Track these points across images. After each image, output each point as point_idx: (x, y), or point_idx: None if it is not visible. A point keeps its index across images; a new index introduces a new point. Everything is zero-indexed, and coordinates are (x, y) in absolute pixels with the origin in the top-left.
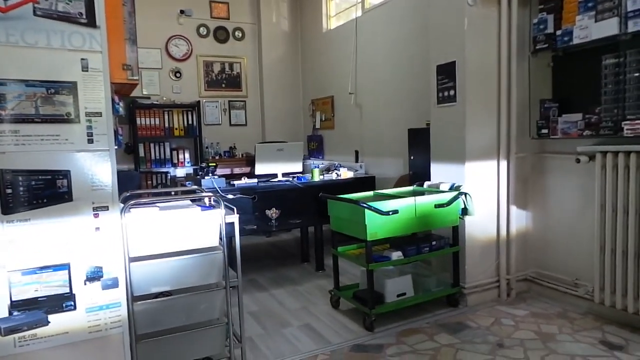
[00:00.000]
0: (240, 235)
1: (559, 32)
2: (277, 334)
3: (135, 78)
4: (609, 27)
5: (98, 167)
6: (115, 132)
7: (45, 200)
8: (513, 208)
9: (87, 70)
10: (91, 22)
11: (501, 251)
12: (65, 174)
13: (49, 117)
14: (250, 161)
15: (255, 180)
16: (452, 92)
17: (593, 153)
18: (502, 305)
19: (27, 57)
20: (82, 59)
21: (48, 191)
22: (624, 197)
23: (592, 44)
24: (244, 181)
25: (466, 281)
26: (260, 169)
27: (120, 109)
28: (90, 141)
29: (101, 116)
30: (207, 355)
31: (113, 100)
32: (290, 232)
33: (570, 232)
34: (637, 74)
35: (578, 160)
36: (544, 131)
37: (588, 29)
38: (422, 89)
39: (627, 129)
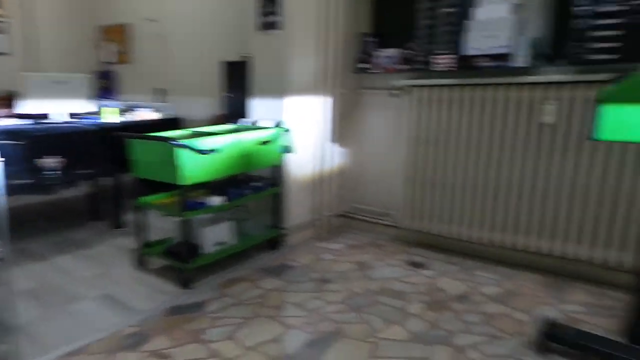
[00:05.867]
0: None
1: None
2: (64, 313)
3: None
4: None
5: None
6: None
7: None
8: (334, 146)
9: None
10: None
11: (323, 189)
12: None
13: None
14: (11, 99)
15: (30, 121)
16: (276, 18)
17: (405, 87)
18: (321, 242)
19: None
20: None
21: None
22: (428, 130)
23: None
24: (9, 122)
25: (287, 222)
26: (31, 107)
27: None
28: None
29: None
30: None
31: None
32: (76, 187)
33: (383, 166)
34: (447, 10)
35: (392, 95)
36: (364, 65)
37: None
38: (238, 16)
39: (434, 64)
